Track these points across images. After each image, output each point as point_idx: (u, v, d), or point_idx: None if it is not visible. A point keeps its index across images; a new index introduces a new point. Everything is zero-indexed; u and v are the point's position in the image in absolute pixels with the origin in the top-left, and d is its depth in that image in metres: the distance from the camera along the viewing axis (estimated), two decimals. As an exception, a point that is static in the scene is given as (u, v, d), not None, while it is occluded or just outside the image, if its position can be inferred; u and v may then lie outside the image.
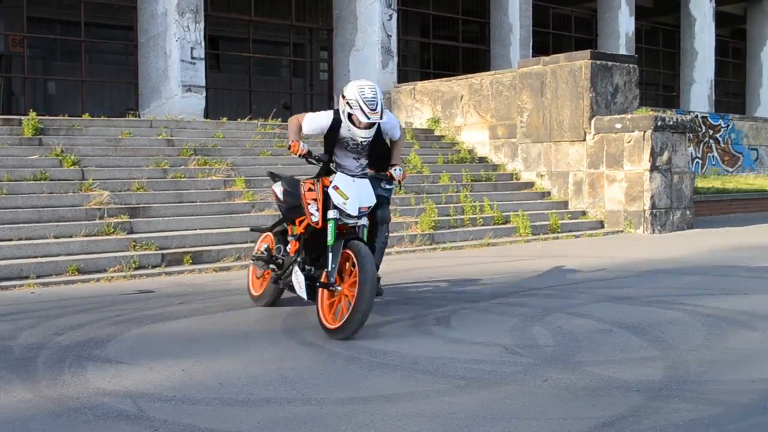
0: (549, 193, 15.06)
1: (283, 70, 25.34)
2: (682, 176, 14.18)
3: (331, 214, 5.83)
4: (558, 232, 13.16)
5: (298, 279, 5.93)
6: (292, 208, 6.30)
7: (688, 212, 14.37)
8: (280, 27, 22.38)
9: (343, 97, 5.94)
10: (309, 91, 23.95)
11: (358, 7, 19.22)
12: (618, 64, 14.85)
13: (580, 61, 14.42)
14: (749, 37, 31.29)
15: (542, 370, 4.75)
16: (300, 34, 24.38)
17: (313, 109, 20.71)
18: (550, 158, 15.08)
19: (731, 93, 37.36)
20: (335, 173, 6.03)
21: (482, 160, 16.21)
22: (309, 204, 5.94)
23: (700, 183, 19.81)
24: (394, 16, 19.37)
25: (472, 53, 24.80)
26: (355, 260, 5.60)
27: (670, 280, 8.39)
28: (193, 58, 16.34)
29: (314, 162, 6.11)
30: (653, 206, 13.64)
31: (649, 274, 8.88)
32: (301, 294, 5.87)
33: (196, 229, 10.30)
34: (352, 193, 5.85)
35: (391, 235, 11.41)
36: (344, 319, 5.51)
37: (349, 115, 5.89)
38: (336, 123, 6.05)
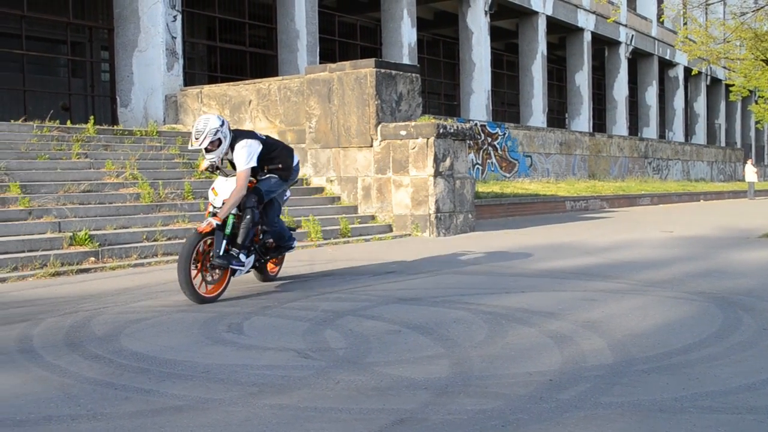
0: (339, 198, 15.29)
1: (61, 69, 24.07)
2: (464, 181, 14.85)
3: (210, 209, 7.68)
4: (348, 236, 13.38)
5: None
6: None
7: (470, 215, 15.07)
8: (56, 24, 21.25)
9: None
10: (90, 92, 22.89)
11: (141, 7, 18.60)
12: (402, 72, 15.32)
13: (366, 69, 14.75)
14: (521, 51, 33.30)
15: (334, 373, 4.80)
16: (79, 33, 23.26)
17: (95, 113, 19.98)
18: (339, 164, 15.30)
19: (507, 103, 39.68)
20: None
21: (272, 165, 16.15)
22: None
23: (481, 188, 20.85)
24: (179, 17, 18.92)
25: (260, 58, 24.72)
26: None
27: (454, 281, 8.75)
28: (-42, 54, 15.13)
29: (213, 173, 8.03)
30: (438, 210, 14.18)
31: (435, 275, 9.21)
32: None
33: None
34: (222, 190, 7.58)
35: (180, 241, 11.18)
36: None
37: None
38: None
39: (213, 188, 7.64)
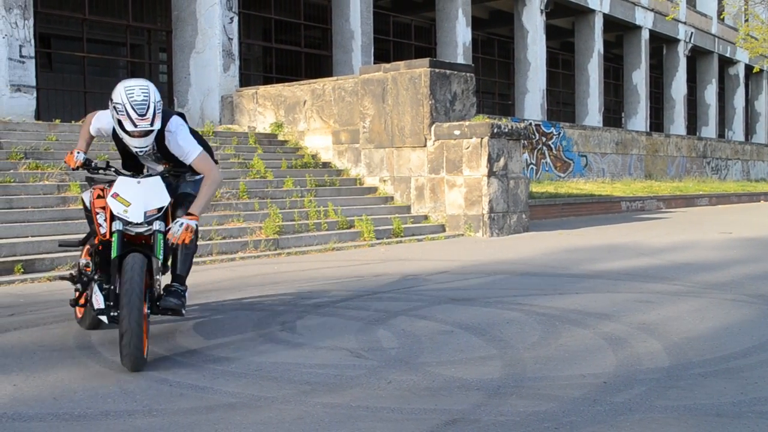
0: (392, 198, 15.31)
1: (120, 71, 24.51)
2: (518, 181, 14.76)
3: (115, 225, 5.10)
4: (401, 236, 13.39)
5: (96, 299, 5.13)
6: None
7: (524, 216, 14.97)
8: (116, 26, 21.66)
9: (111, 100, 5.14)
10: (148, 94, 23.26)
11: (198, 9, 18.87)
12: (456, 72, 15.28)
13: (420, 69, 14.75)
14: (577, 49, 32.94)
15: (386, 373, 4.82)
16: (137, 35, 23.69)
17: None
18: (392, 163, 15.33)
19: (562, 102, 39.30)
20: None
21: (326, 165, 16.28)
22: (97, 213, 5.23)
23: (535, 188, 20.68)
24: (236, 19, 19.15)
25: (315, 58, 24.88)
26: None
27: (507, 282, 8.71)
28: (21, 56, 15.52)
29: (96, 173, 5.54)
30: (491, 210, 14.11)
31: (488, 275, 9.18)
32: (101, 318, 5.15)
33: (27, 237, 9.79)
34: (136, 197, 5.12)
35: (234, 240, 11.32)
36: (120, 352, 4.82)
37: (119, 122, 5.09)
38: (117, 129, 5.22)
39: (116, 194, 5.17)
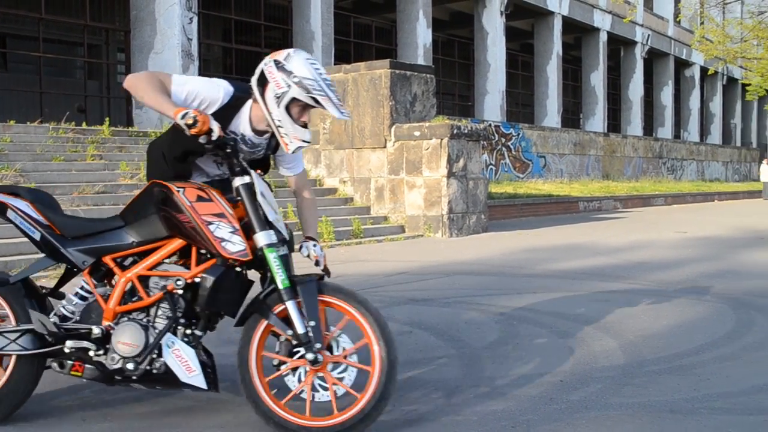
0: (352, 199, 15.31)
1: (77, 71, 24.23)
2: (477, 182, 14.84)
3: (266, 238, 3.59)
4: (361, 237, 13.40)
5: (183, 357, 3.60)
6: (104, 233, 3.79)
7: (483, 216, 15.06)
8: (73, 26, 21.39)
9: (284, 70, 3.58)
10: (106, 94, 23.04)
11: (157, 9, 18.70)
12: (416, 73, 15.33)
13: (380, 70, 14.77)
14: (536, 51, 33.23)
15: (345, 374, 4.82)
16: (95, 35, 23.42)
17: (110, 115, 20.08)
18: (352, 165, 15.33)
19: (521, 103, 39.58)
20: (244, 174, 3.64)
21: (286, 166, 16.21)
22: (210, 224, 3.53)
23: (494, 188, 20.82)
24: (195, 19, 19.01)
25: (275, 59, 24.77)
26: (354, 312, 3.64)
27: (466, 282, 8.76)
28: (-25, 56, 15.28)
29: (220, 155, 3.67)
30: (450, 211, 14.18)
31: (447, 276, 9.22)
32: (195, 381, 3.60)
33: (-20, 240, 9.64)
34: (272, 203, 3.72)
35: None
36: (359, 406, 3.49)
37: (294, 102, 3.59)
38: (234, 105, 3.74)
39: (263, 194, 3.63)
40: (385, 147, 14.82)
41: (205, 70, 22.91)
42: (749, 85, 32.75)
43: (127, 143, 14.85)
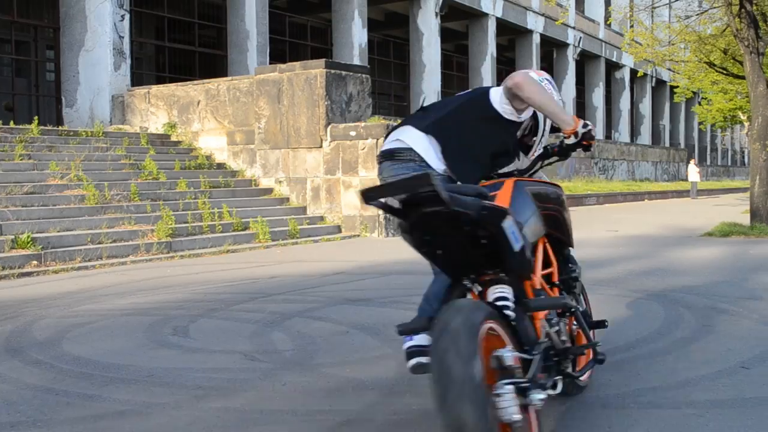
0: (288, 199, 15.24)
1: (4, 68, 23.60)
2: (413, 182, 14.88)
3: None
4: (297, 238, 13.34)
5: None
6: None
7: (418, 216, 15.09)
8: (0, 22, 20.84)
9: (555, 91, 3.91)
10: (35, 92, 22.50)
11: (88, 6, 18.33)
12: (352, 73, 15.33)
13: (316, 70, 14.73)
14: (471, 52, 33.51)
15: (281, 375, 4.78)
16: (23, 31, 22.83)
17: (39, 113, 19.61)
18: (288, 164, 15.25)
19: (456, 104, 39.75)
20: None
21: (221, 166, 16.07)
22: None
23: (430, 188, 20.90)
24: (127, 16, 18.69)
25: (210, 58, 24.54)
26: None
27: (402, 281, 8.78)
28: None
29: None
30: (387, 211, 14.19)
31: (384, 275, 9.24)
32: None
33: None
34: None
35: (125, 244, 11.06)
36: None
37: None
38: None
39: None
40: (321, 147, 14.78)
41: (137, 69, 22.56)
42: (677, 87, 33.51)
43: (56, 142, 14.52)
